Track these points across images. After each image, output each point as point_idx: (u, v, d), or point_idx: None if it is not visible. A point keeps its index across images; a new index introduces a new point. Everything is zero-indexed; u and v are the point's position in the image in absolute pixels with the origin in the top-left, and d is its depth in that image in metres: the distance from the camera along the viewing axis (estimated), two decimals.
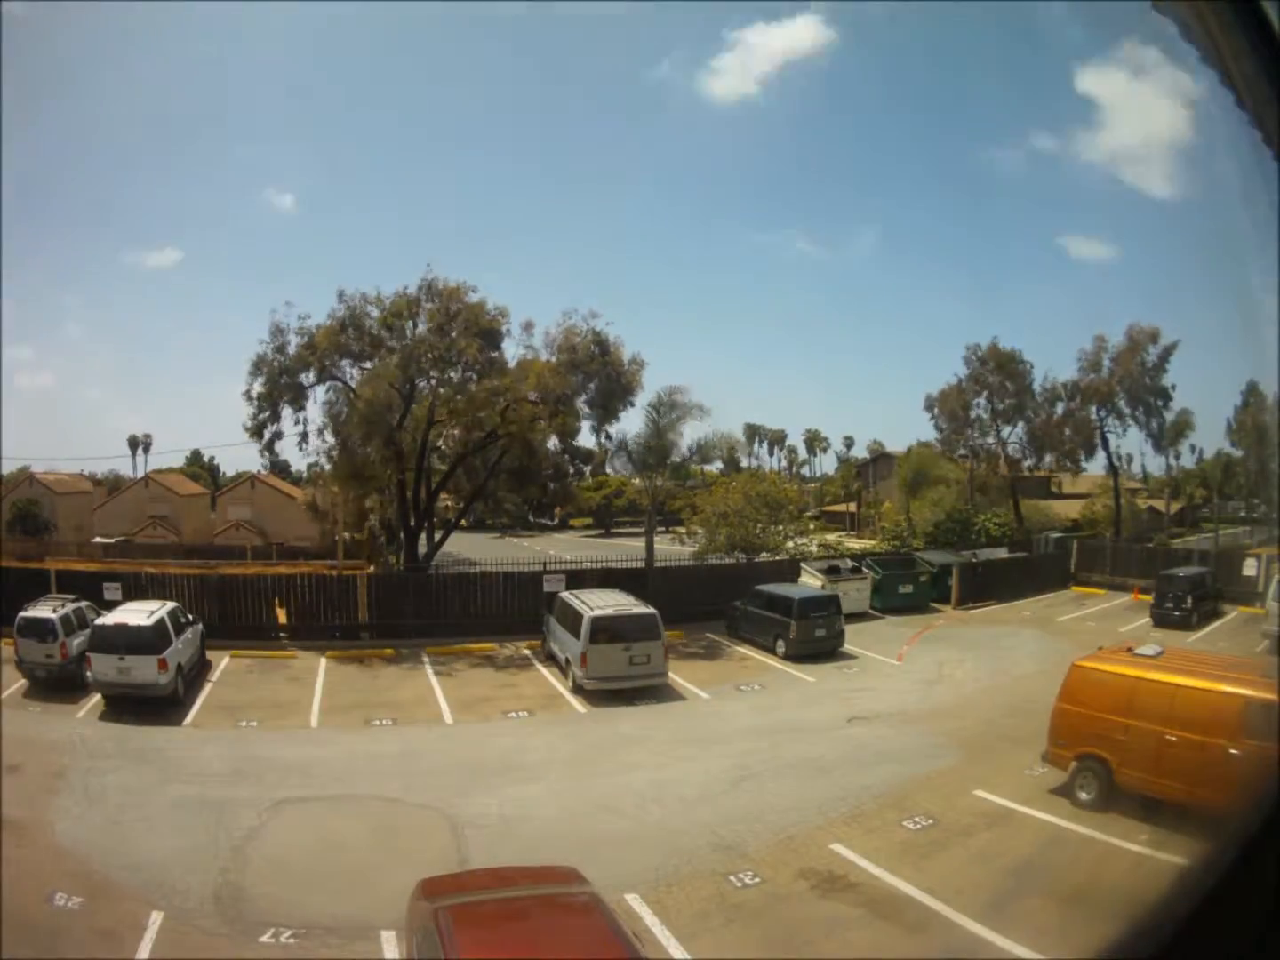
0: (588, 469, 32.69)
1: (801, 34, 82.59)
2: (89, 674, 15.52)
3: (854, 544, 40.06)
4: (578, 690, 16.92)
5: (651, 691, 17.09)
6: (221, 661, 18.90)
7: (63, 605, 17.37)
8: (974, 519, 34.91)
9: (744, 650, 21.03)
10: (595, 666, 16.65)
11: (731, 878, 9.51)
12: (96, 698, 15.66)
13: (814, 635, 19.92)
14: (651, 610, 17.54)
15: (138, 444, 62.94)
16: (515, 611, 22.57)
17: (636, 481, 32.01)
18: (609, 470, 41.17)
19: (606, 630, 16.88)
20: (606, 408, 25.58)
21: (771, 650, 20.35)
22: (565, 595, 18.98)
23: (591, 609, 17.30)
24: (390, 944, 7.98)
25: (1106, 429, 37.12)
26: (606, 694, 16.77)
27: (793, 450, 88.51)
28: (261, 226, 78.76)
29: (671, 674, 18.41)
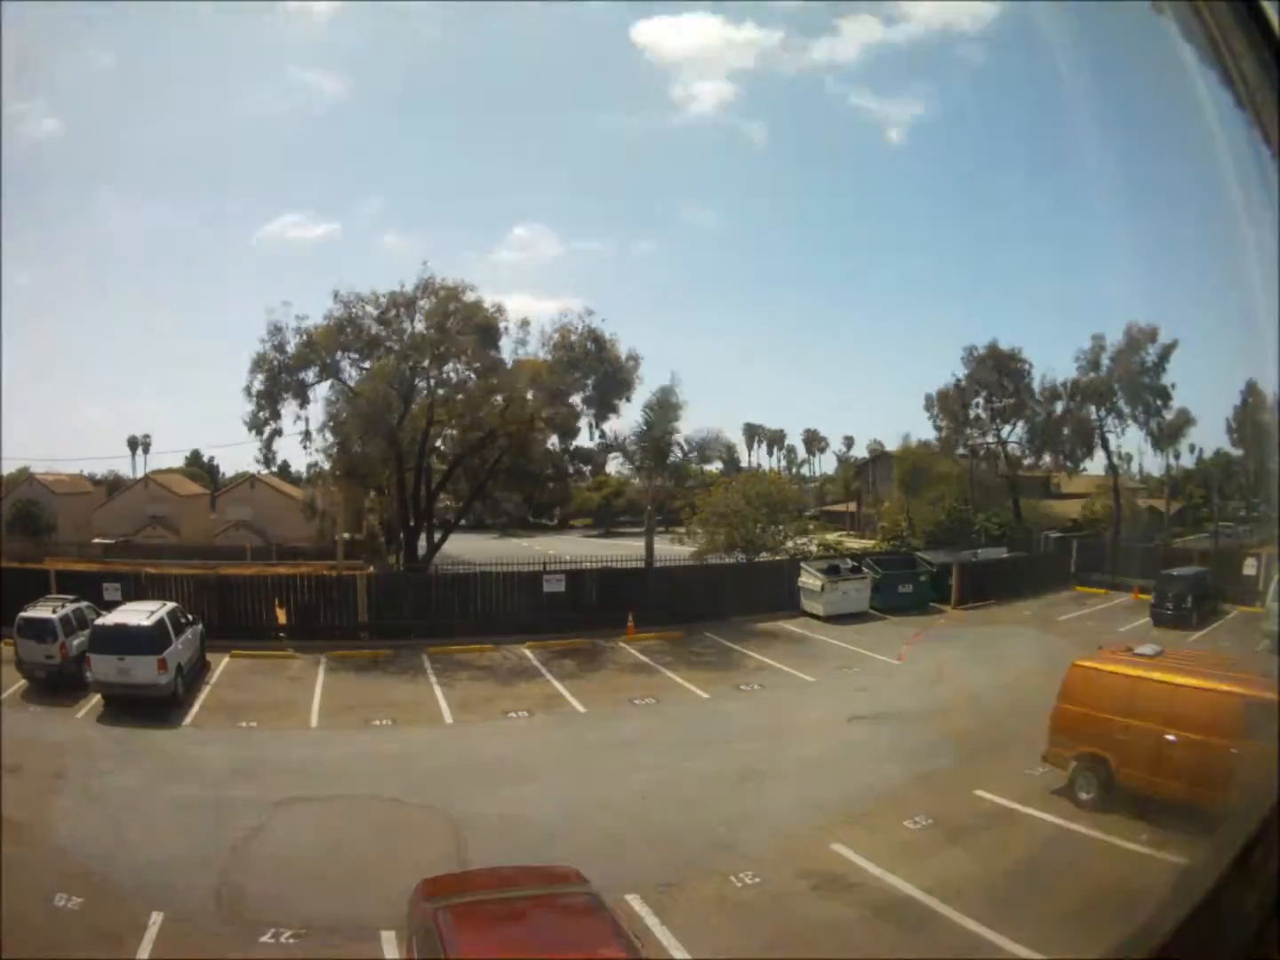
0: (587, 468, 32.67)
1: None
2: (89, 674, 15.50)
3: (854, 544, 40.03)
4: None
5: (652, 691, 17.50)
6: (221, 662, 18.88)
7: (63, 605, 17.34)
8: (974, 519, 34.89)
9: (745, 650, 21.04)
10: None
11: (731, 878, 9.52)
12: (96, 698, 15.63)
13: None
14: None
15: (137, 444, 62.84)
16: (515, 612, 22.63)
17: (636, 481, 32.00)
18: (609, 470, 41.21)
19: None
20: (604, 404, 25.61)
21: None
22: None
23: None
24: (390, 944, 7.99)
25: (1106, 428, 37.10)
26: (606, 694, 17.29)
27: (792, 450, 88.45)
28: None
29: (671, 674, 18.85)
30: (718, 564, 26.95)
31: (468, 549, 32.31)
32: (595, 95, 72.56)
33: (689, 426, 28.54)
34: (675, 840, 10.43)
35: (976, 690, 17.40)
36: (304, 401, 25.02)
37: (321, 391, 25.29)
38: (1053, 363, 40.61)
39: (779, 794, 11.90)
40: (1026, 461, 38.64)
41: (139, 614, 16.27)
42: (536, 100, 66.65)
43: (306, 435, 25.13)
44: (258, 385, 24.81)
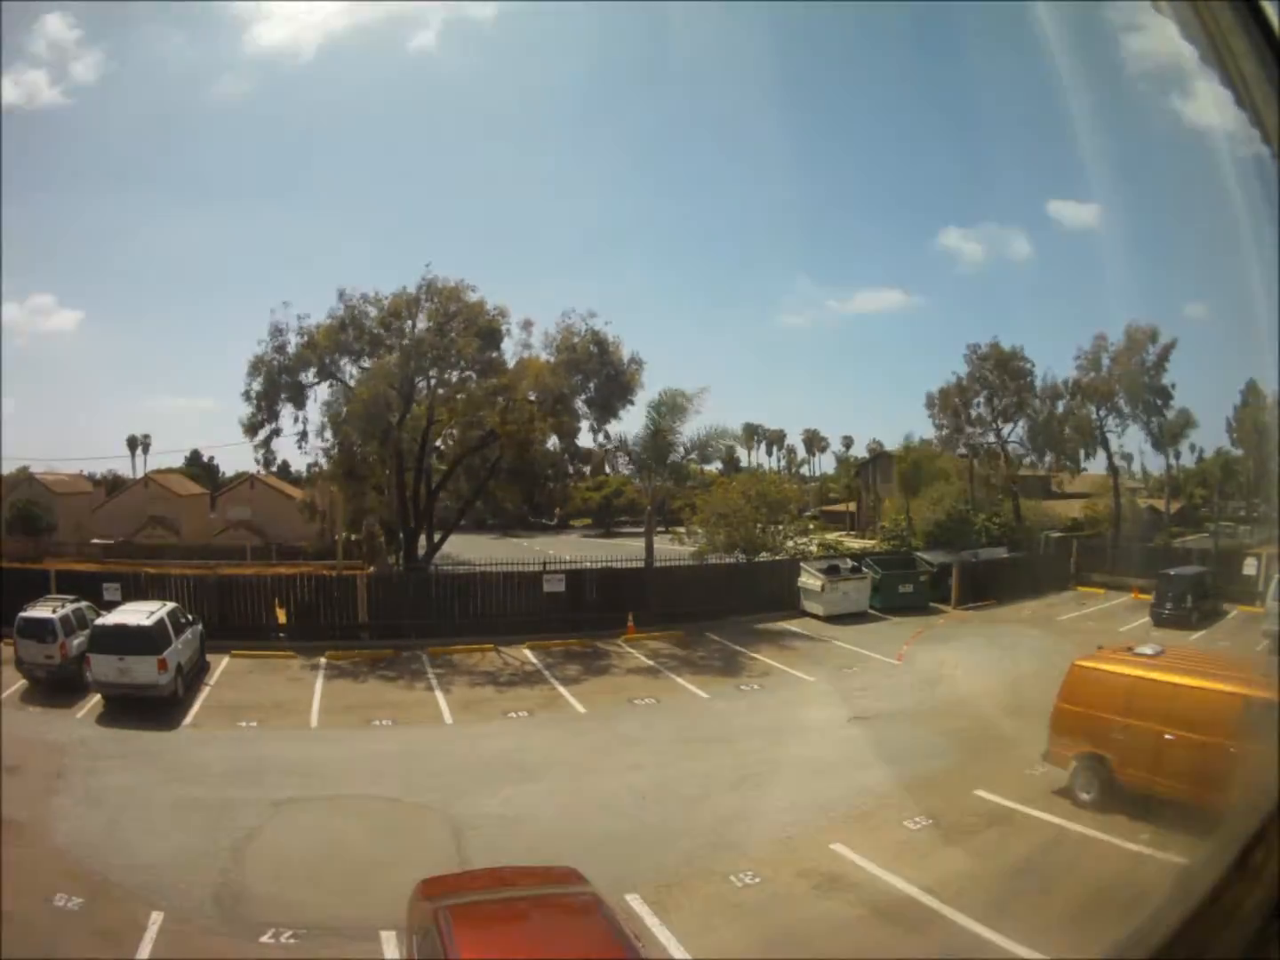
0: (587, 469, 32.69)
1: None
2: (89, 674, 15.50)
3: (854, 543, 40.04)
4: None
5: (652, 690, 17.55)
6: (221, 662, 18.86)
7: (62, 605, 17.32)
8: (974, 519, 34.89)
9: (745, 650, 21.04)
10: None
11: (731, 878, 9.51)
12: (96, 698, 15.62)
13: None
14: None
15: (137, 444, 62.82)
16: (515, 612, 22.64)
17: (636, 481, 32.00)
18: (609, 470, 41.19)
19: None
20: (605, 407, 25.58)
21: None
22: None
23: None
24: (390, 944, 7.98)
25: (1106, 428, 37.09)
26: (606, 694, 17.36)
27: (792, 450, 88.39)
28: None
29: (671, 674, 18.94)
30: (718, 564, 26.95)
31: (468, 549, 32.34)
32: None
33: (697, 427, 28.36)
34: (675, 840, 10.42)
35: (976, 690, 17.39)
36: (300, 404, 24.98)
37: (321, 393, 25.31)
38: (1053, 362, 40.55)
39: (779, 794, 11.90)
40: (1027, 460, 38.64)
41: (139, 614, 16.26)
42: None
43: (303, 437, 25.11)
44: (256, 387, 24.79)
